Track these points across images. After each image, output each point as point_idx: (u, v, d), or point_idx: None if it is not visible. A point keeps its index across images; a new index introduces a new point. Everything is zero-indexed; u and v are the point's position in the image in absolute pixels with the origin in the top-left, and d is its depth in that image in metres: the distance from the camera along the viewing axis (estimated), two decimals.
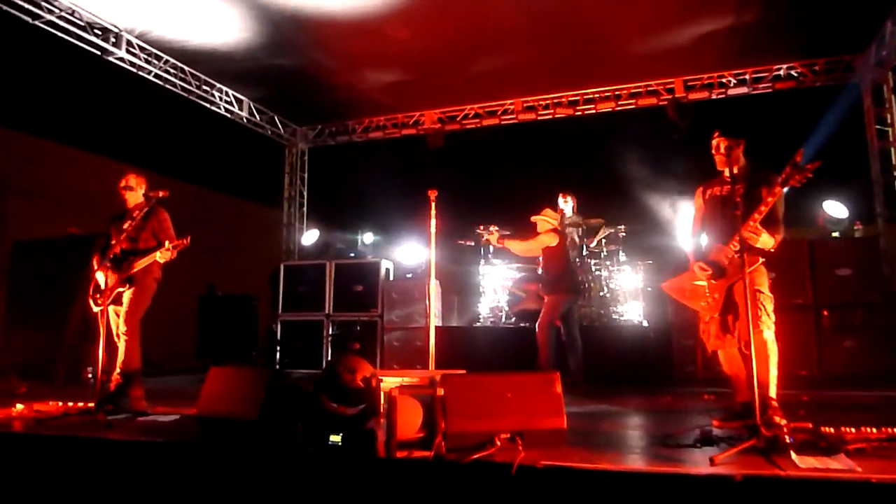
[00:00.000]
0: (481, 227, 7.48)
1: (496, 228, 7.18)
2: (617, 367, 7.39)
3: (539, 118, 10.45)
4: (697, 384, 6.78)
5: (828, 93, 8.99)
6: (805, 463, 2.95)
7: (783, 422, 3.55)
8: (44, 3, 7.29)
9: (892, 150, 8.57)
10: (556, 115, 10.36)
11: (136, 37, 8.35)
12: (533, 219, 7.10)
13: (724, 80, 9.51)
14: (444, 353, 6.33)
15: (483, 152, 11.32)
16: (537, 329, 6.69)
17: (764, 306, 3.93)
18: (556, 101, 10.29)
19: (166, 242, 5.08)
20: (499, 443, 3.29)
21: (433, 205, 4.95)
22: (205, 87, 9.73)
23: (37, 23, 7.37)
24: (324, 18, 7.67)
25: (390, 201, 9.74)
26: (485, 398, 3.49)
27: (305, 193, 12.20)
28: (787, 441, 3.21)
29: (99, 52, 8.08)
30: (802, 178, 3.67)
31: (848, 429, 3.52)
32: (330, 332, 9.15)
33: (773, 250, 3.96)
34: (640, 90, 9.88)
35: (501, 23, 7.86)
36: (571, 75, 9.64)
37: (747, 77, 9.39)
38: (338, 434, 3.46)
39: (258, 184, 13.09)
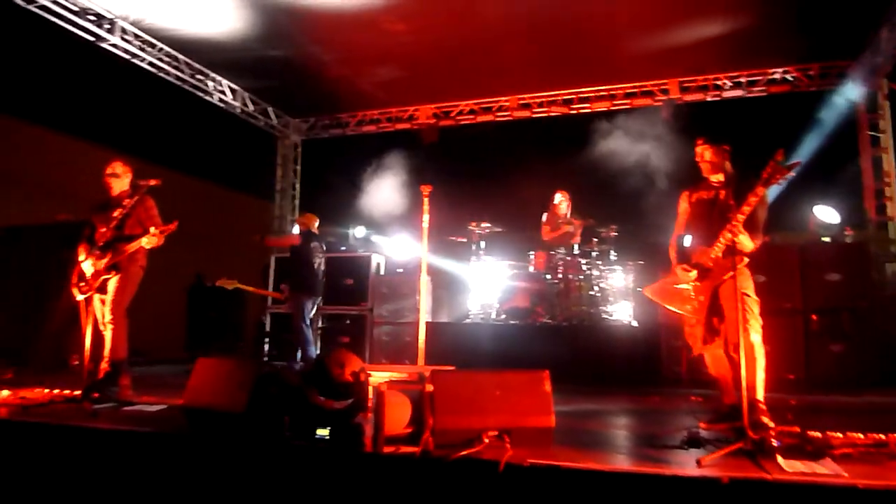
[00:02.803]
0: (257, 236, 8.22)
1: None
2: (605, 367, 7.39)
3: (534, 115, 10.45)
4: (685, 385, 6.80)
5: (822, 98, 9.04)
6: (791, 467, 2.96)
7: (770, 424, 3.56)
8: None
9: (884, 156, 8.62)
10: (551, 113, 10.37)
11: (131, 24, 8.27)
12: (296, 220, 7.83)
13: (719, 83, 9.54)
14: (433, 348, 6.32)
15: (477, 148, 11.29)
16: (295, 331, 7.43)
17: (751, 309, 3.94)
18: (550, 99, 10.30)
19: (152, 228, 5.03)
20: (486, 440, 3.28)
21: (426, 200, 4.93)
22: (199, 77, 9.66)
23: (30, 7, 7.29)
24: (321, 10, 7.63)
25: (383, 195, 9.69)
26: (473, 395, 3.48)
27: (298, 185, 12.16)
28: (774, 444, 3.22)
29: (93, 39, 8.01)
30: (783, 177, 3.68)
31: (835, 433, 3.54)
32: (319, 325, 9.11)
33: (750, 253, 3.98)
34: (635, 90, 9.91)
35: (498, 19, 7.84)
36: (567, 74, 9.65)
37: (742, 80, 9.42)
38: (325, 428, 3.45)
39: (250, 175, 13.03)
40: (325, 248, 8.21)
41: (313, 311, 7.79)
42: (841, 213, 7.87)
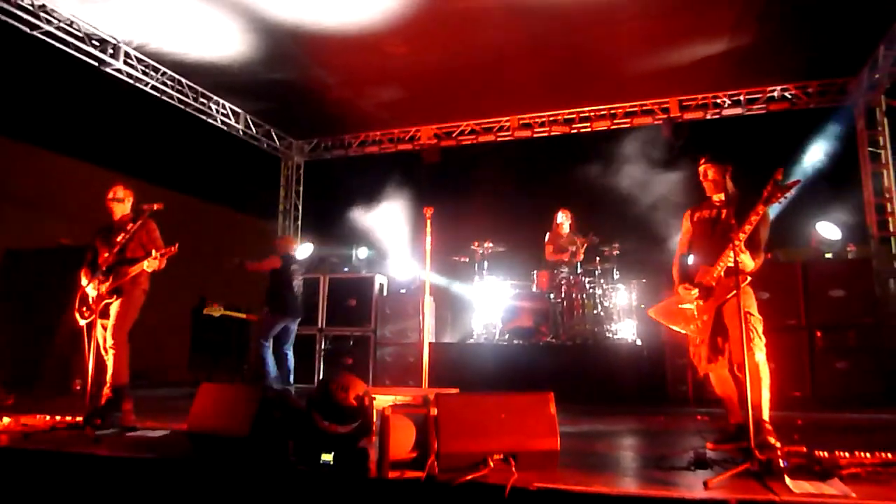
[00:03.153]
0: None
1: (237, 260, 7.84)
2: (610, 386, 7.37)
3: (535, 135, 10.50)
4: (690, 404, 6.76)
5: (821, 115, 9.08)
6: (799, 487, 2.93)
7: (777, 445, 3.54)
8: (42, 14, 7.30)
9: (885, 172, 8.64)
10: (552, 133, 10.43)
11: (134, 48, 8.36)
12: (275, 242, 8.09)
13: (718, 101, 9.59)
14: (437, 369, 6.32)
15: (479, 168, 11.35)
16: (255, 350, 7.68)
17: (755, 328, 3.93)
18: (551, 118, 10.35)
19: (153, 251, 5.04)
20: (492, 464, 3.26)
21: (429, 222, 4.94)
22: (202, 100, 9.73)
23: (35, 33, 7.37)
24: (323, 34, 7.70)
25: (385, 216, 9.74)
26: (478, 418, 3.46)
27: (300, 207, 12.20)
28: (782, 465, 3.20)
29: (96, 63, 8.08)
30: (783, 195, 3.70)
31: (842, 453, 3.51)
32: (322, 346, 9.09)
33: (752, 272, 3.98)
34: (635, 109, 9.95)
35: (499, 41, 7.90)
36: (567, 93, 9.71)
37: (742, 98, 9.47)
38: (329, 453, 3.42)
39: (253, 196, 13.09)
40: (304, 270, 8.38)
41: (294, 331, 8.00)
42: (843, 230, 7.88)
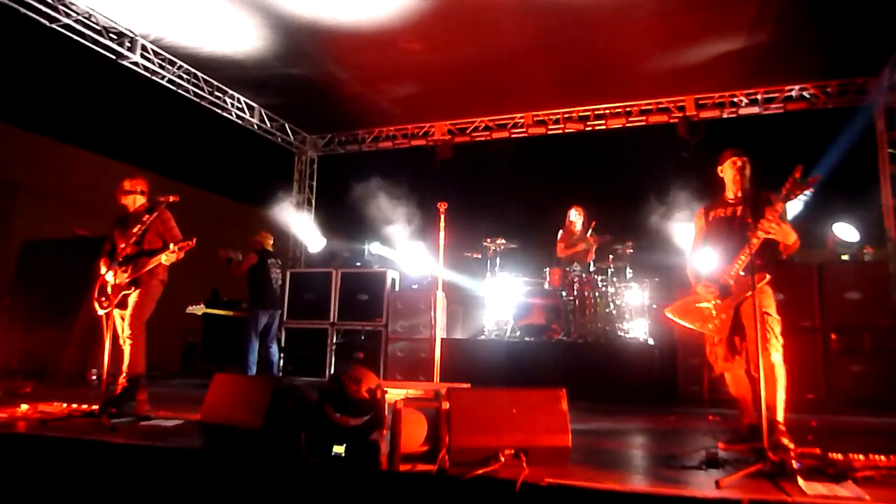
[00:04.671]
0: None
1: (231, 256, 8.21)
2: (621, 385, 7.33)
3: (549, 132, 10.47)
4: (702, 404, 6.72)
5: (840, 115, 8.98)
6: (812, 489, 2.91)
7: (791, 446, 3.51)
8: (61, 7, 7.37)
9: None
10: (566, 130, 10.38)
11: (151, 42, 8.41)
12: (252, 238, 8.41)
13: (735, 100, 9.51)
14: (448, 365, 6.32)
15: (492, 165, 11.33)
16: (243, 343, 8.05)
17: (772, 328, 3.90)
18: (566, 115, 10.31)
19: (171, 244, 5.05)
20: (503, 458, 3.26)
21: (442, 217, 4.94)
22: (217, 94, 9.78)
23: (54, 26, 7.44)
24: (339, 30, 7.72)
25: (398, 211, 9.76)
26: (490, 413, 3.46)
27: (314, 201, 12.24)
28: (795, 466, 3.17)
29: (114, 57, 8.14)
30: (802, 192, 3.67)
31: (856, 455, 3.47)
32: (334, 340, 9.13)
33: (792, 248, 3.98)
34: (651, 107, 9.89)
35: (514, 37, 7.89)
36: (582, 91, 9.66)
37: (759, 97, 9.38)
38: (341, 445, 3.44)
39: (267, 190, 13.15)
40: (280, 262, 8.77)
41: (276, 325, 8.38)
42: (861, 231, 7.80)
